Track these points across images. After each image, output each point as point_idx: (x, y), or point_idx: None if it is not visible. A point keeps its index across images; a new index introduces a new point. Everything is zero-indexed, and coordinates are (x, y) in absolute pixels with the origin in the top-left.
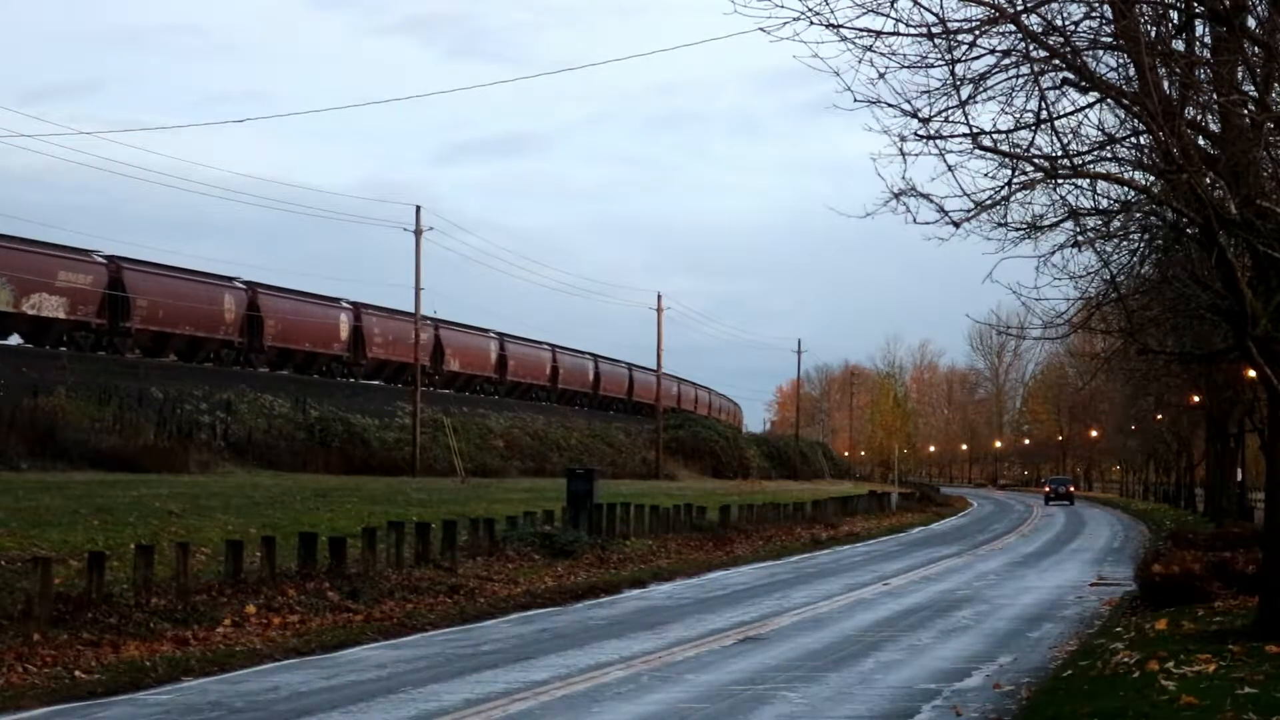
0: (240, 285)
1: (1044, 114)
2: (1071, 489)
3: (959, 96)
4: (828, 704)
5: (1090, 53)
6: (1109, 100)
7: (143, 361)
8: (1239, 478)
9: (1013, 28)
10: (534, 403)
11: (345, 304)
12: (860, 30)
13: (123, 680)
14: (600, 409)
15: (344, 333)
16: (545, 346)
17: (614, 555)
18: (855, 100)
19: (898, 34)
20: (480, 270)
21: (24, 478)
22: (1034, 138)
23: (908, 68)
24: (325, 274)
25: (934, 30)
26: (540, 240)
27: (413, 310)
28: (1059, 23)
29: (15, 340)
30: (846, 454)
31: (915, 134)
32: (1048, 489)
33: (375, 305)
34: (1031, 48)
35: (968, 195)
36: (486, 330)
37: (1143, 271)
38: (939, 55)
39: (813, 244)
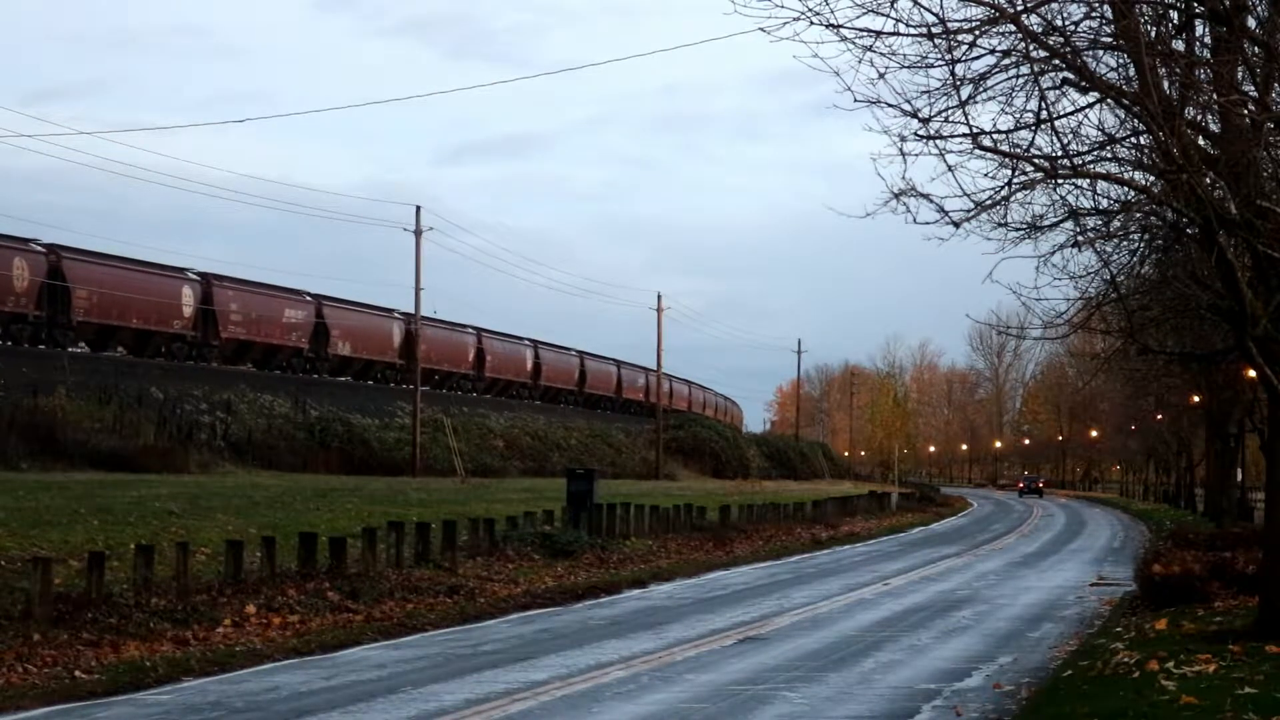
0: (39, 248)
1: (1044, 114)
2: (1040, 484)
3: (959, 96)
4: (828, 704)
5: (1090, 53)
6: (1109, 100)
7: None
8: (1239, 478)
9: (1013, 28)
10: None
11: (192, 274)
12: (860, 30)
13: (123, 680)
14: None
15: (188, 309)
16: (470, 331)
17: (614, 555)
18: (855, 100)
19: (898, 34)
20: (481, 270)
21: (24, 478)
22: (1034, 138)
23: (908, 68)
24: (327, 274)
25: (934, 30)
26: (541, 240)
27: (281, 286)
28: (1059, 23)
29: None
30: (846, 454)
31: (915, 134)
32: (1021, 485)
33: (232, 277)
34: (1031, 48)
35: (968, 195)
36: (390, 311)
37: (1143, 271)
38: (939, 55)
39: (813, 244)
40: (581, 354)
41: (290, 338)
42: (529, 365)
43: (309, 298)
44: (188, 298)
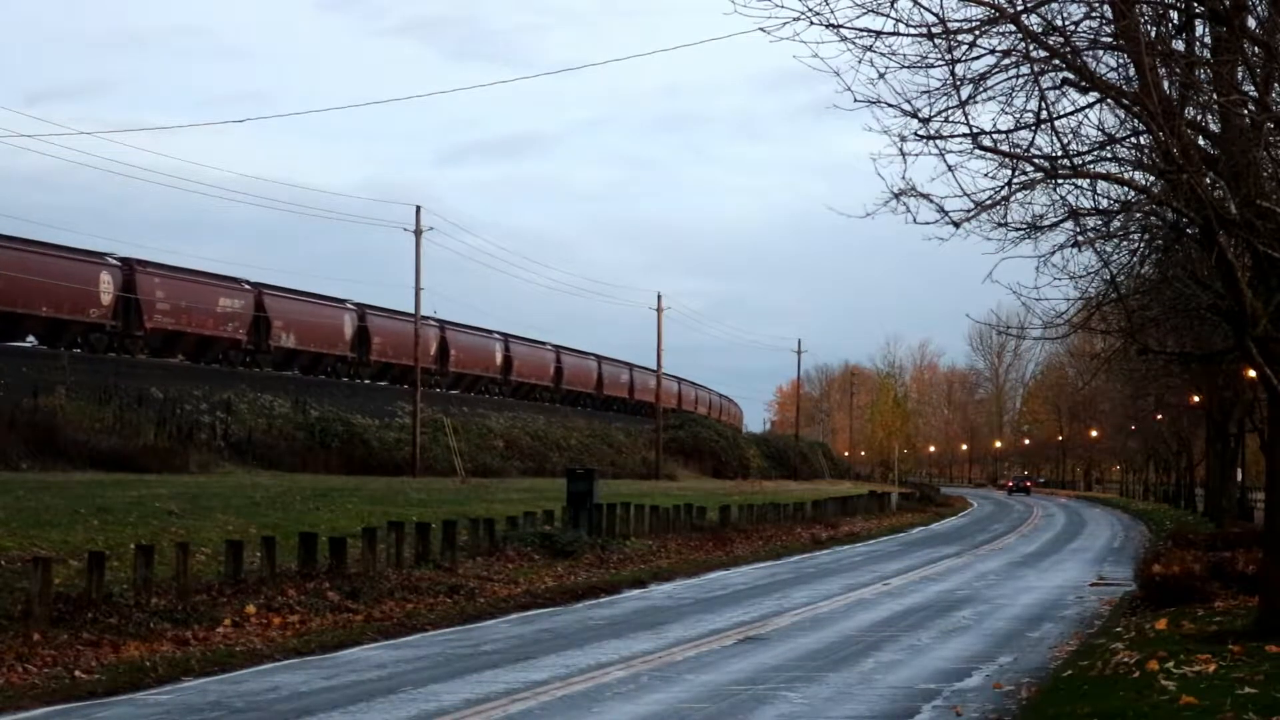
0: None
1: (1044, 114)
2: (1028, 484)
3: (959, 96)
4: (828, 704)
5: (1090, 53)
6: (1109, 100)
7: None
8: (1239, 478)
9: (1013, 28)
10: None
11: (112, 260)
12: (860, 30)
13: (123, 680)
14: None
15: (107, 296)
16: (432, 323)
17: (614, 555)
18: (855, 100)
19: (898, 34)
20: (481, 270)
21: (24, 478)
22: (1034, 138)
23: (908, 68)
24: (328, 274)
25: (934, 30)
26: (541, 240)
27: (215, 273)
28: (1059, 23)
29: None
30: (846, 454)
31: (915, 134)
32: (1011, 484)
33: (158, 263)
34: (1031, 48)
35: (968, 195)
36: (342, 301)
37: (1143, 271)
38: (939, 55)
39: (813, 244)
40: (558, 348)
41: (225, 329)
42: (498, 360)
43: (248, 286)
44: (106, 284)
